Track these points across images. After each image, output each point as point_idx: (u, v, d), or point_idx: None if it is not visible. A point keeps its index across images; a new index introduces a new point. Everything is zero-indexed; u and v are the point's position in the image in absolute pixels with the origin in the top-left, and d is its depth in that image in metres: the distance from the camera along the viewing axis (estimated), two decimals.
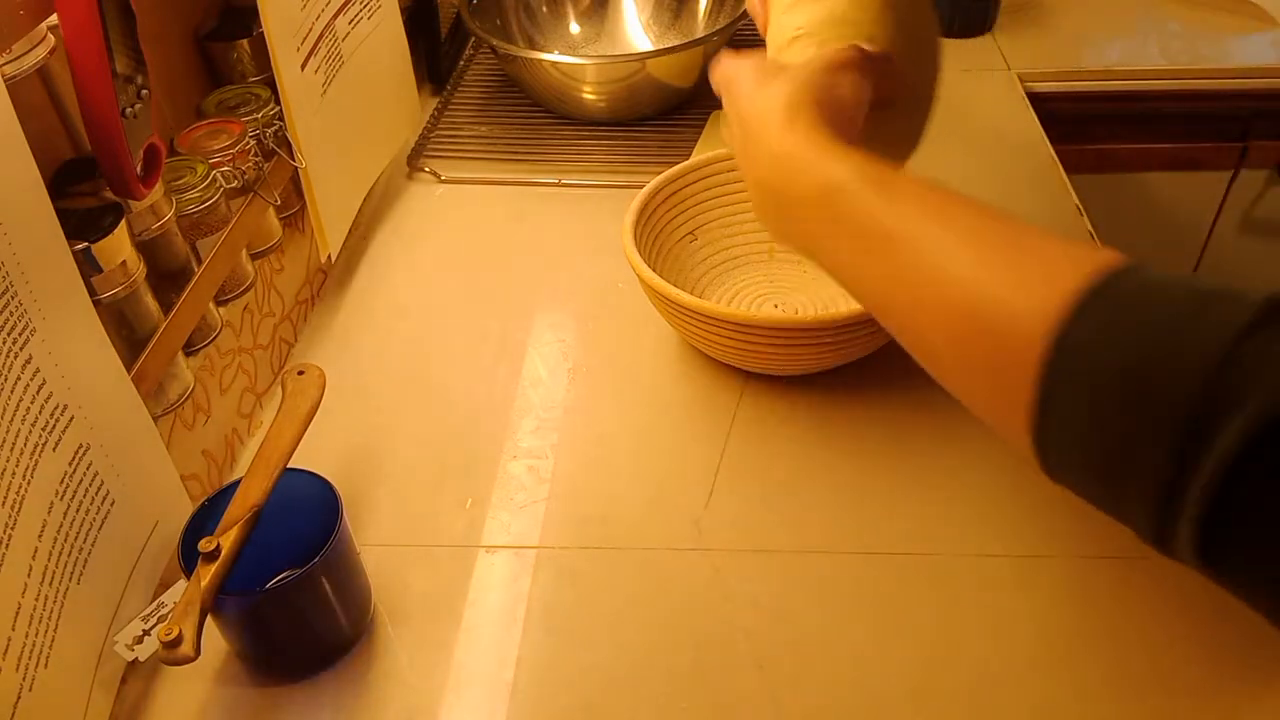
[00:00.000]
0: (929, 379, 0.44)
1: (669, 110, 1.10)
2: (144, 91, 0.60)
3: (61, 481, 0.54)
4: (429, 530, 0.70)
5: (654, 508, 0.70)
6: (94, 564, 0.56)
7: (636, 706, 0.59)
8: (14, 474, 0.50)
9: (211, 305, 0.70)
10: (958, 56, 1.20)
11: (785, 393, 0.78)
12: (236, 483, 0.60)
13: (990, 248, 0.41)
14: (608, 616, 0.64)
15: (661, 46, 1.15)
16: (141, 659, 0.56)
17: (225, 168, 0.71)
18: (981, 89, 1.16)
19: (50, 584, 0.53)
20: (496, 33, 1.13)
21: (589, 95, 1.07)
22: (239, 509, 0.58)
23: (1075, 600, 0.61)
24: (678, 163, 1.05)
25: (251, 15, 0.75)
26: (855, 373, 0.77)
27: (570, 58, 1.10)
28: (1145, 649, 0.61)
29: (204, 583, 0.54)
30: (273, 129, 0.77)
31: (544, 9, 1.21)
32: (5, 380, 0.50)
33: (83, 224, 0.57)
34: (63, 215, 0.53)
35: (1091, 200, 0.97)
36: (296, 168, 0.80)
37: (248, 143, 0.73)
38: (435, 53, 1.18)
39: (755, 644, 0.62)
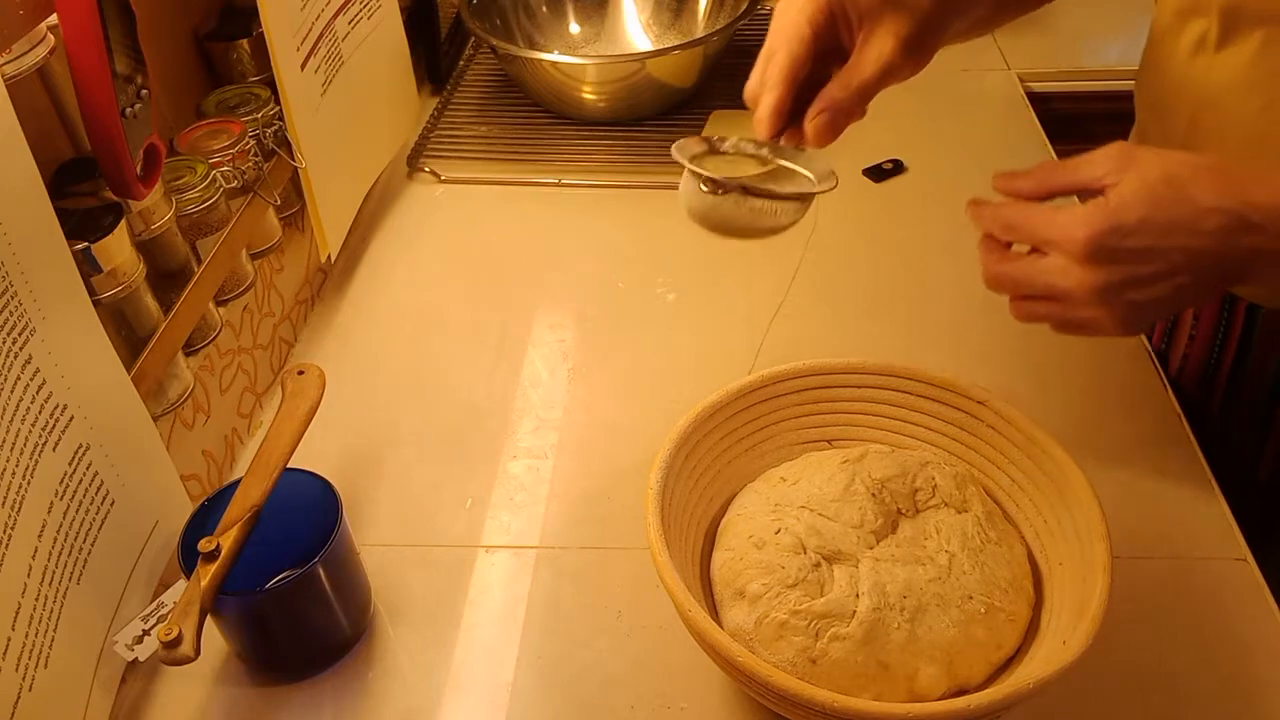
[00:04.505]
0: None
1: (669, 110, 1.10)
2: (144, 91, 0.60)
3: (61, 481, 0.54)
4: (429, 530, 0.70)
5: None
6: (94, 564, 0.56)
7: (636, 706, 0.59)
8: (14, 474, 0.50)
9: (211, 305, 0.70)
10: (958, 56, 1.20)
11: None
12: (236, 483, 0.60)
13: None
14: (608, 616, 0.64)
15: (661, 46, 1.15)
16: (141, 659, 0.56)
17: (225, 168, 0.71)
18: (981, 89, 1.16)
19: (50, 584, 0.53)
20: (496, 33, 1.13)
21: (589, 95, 1.07)
22: (239, 509, 0.58)
23: None
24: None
25: (251, 15, 0.75)
26: None
27: (570, 58, 1.10)
28: (1147, 647, 0.61)
29: (204, 583, 0.54)
30: (273, 129, 0.77)
31: (544, 9, 1.21)
32: (5, 380, 0.50)
33: (83, 224, 0.57)
34: (63, 215, 0.53)
35: None
36: (296, 168, 0.80)
37: (248, 143, 0.73)
38: (435, 53, 1.18)
39: None
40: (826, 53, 0.59)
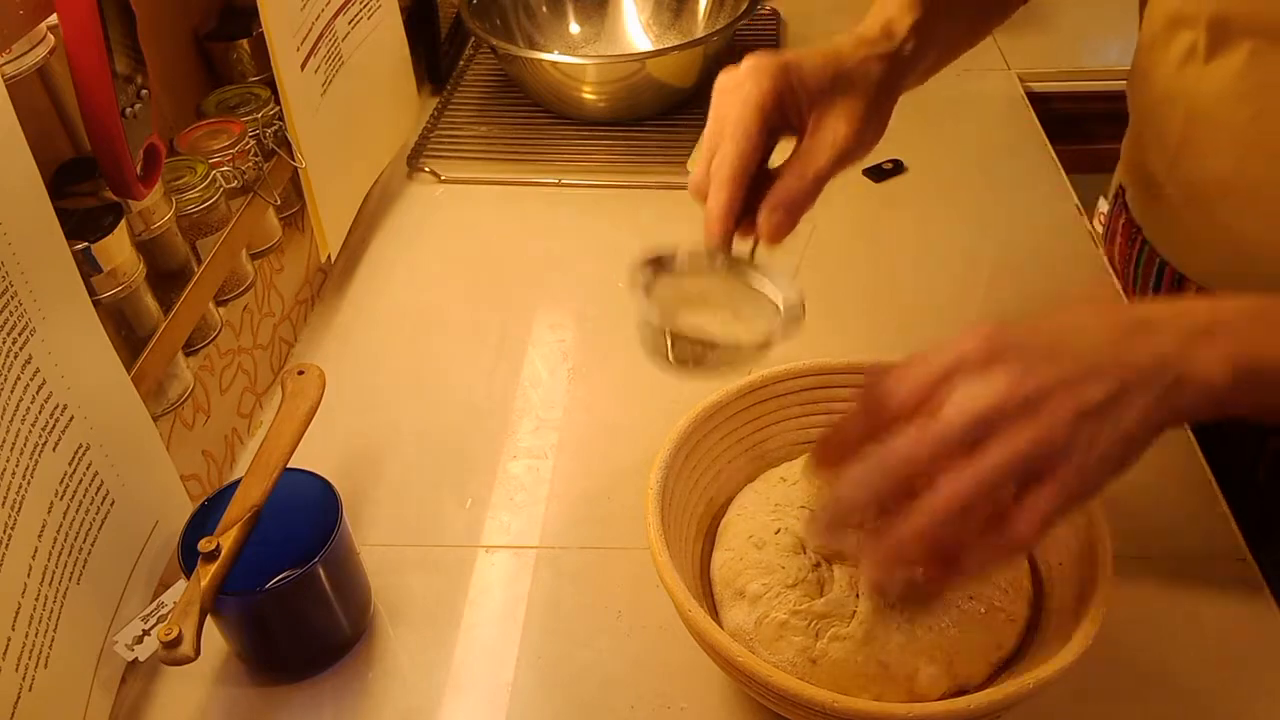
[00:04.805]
0: None
1: (669, 110, 1.10)
2: (144, 91, 0.60)
3: (61, 481, 0.54)
4: (429, 530, 0.70)
5: None
6: (94, 564, 0.56)
7: (636, 706, 0.59)
8: (14, 474, 0.50)
9: (211, 305, 0.70)
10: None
11: None
12: (236, 483, 0.60)
13: None
14: (608, 616, 0.64)
15: (661, 46, 1.15)
16: (141, 659, 0.56)
17: (225, 168, 0.71)
18: (981, 89, 1.16)
19: (50, 584, 0.53)
20: (496, 33, 1.13)
21: (589, 95, 1.07)
22: (239, 509, 0.58)
23: None
24: (678, 163, 1.05)
25: (251, 15, 0.75)
26: None
27: (570, 58, 1.10)
28: (1147, 647, 0.61)
29: (204, 583, 0.54)
30: (273, 129, 0.77)
31: (544, 9, 1.21)
32: (5, 380, 0.50)
33: (83, 224, 0.57)
34: (63, 215, 0.53)
35: (1091, 200, 0.97)
36: (296, 168, 0.80)
37: (248, 143, 0.73)
38: (435, 53, 1.18)
39: None
40: (774, 131, 0.56)
